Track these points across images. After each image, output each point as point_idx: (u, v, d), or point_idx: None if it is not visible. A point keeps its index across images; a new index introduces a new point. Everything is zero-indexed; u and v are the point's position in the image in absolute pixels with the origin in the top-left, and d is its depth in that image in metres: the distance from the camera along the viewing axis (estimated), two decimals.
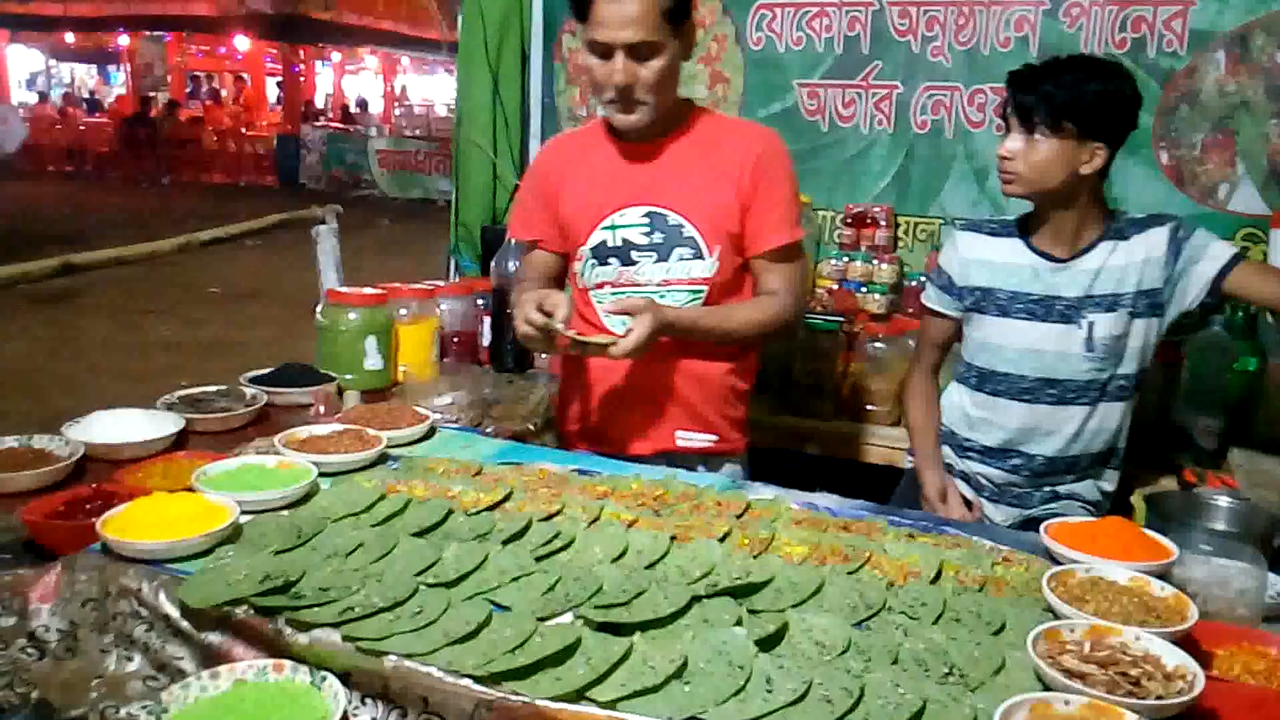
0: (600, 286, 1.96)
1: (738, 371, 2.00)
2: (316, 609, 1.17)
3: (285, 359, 2.27)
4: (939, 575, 1.33)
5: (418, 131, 17.37)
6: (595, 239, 1.94)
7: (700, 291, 1.90)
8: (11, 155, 17.46)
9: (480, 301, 2.70)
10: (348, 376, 2.27)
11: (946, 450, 2.16)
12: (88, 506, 1.47)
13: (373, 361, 2.31)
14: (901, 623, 1.20)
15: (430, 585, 1.24)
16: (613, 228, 1.92)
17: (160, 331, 6.78)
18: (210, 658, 1.19)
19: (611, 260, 1.93)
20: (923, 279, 2.31)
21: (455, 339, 2.66)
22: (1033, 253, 1.99)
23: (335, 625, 1.14)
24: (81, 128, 19.64)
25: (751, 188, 1.88)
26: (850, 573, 1.31)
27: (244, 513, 1.40)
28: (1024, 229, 2.02)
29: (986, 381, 2.06)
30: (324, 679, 1.11)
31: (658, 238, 1.90)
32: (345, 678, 1.11)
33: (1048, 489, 2.08)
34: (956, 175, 2.78)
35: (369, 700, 1.12)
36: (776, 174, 1.91)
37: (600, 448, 1.98)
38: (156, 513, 1.34)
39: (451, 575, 1.26)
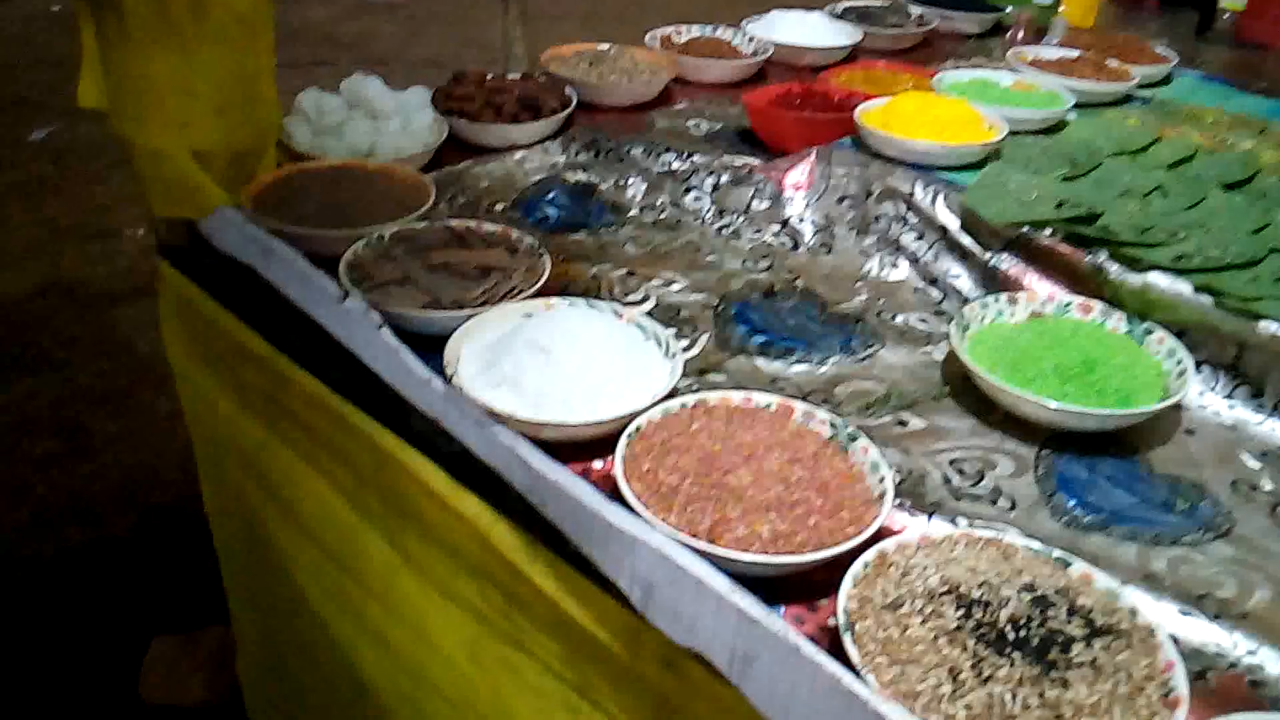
0: None
1: None
2: (1145, 249, 0.97)
3: None
4: None
5: None
6: None
7: None
8: None
9: None
10: (1008, 10, 1.96)
11: None
12: (798, 103, 1.40)
13: None
14: None
15: (1275, 250, 0.98)
16: None
17: None
18: (992, 281, 1.05)
19: None
20: None
21: None
22: None
23: (1176, 272, 0.94)
24: None
25: None
26: None
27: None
28: None
29: None
30: (1149, 331, 0.93)
31: None
32: (1177, 334, 0.92)
33: None
34: None
35: (1204, 367, 0.93)
36: None
37: None
38: (919, 114, 1.19)
39: None
